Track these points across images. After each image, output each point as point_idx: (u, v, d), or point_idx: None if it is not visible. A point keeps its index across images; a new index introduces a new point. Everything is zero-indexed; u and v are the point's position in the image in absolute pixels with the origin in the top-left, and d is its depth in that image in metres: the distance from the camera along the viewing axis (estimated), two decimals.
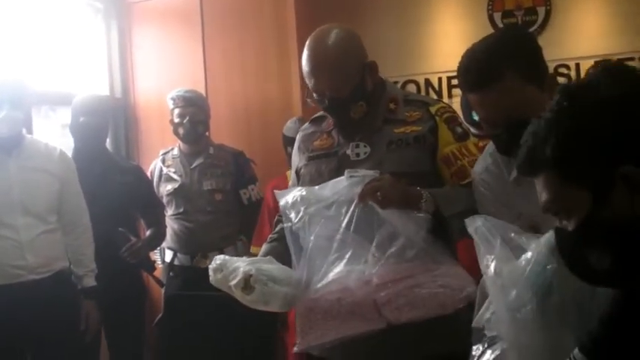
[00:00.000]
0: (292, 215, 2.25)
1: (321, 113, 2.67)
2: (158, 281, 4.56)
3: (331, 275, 2.13)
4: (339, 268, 2.13)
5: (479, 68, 2.00)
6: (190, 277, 4.57)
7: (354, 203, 2.15)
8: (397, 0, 5.73)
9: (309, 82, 2.45)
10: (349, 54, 2.44)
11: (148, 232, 4.56)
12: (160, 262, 4.80)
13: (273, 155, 5.06)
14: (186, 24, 5.70)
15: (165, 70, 5.73)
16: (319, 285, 2.14)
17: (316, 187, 2.30)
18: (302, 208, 2.23)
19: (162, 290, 4.63)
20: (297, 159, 2.69)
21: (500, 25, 5.52)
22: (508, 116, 1.97)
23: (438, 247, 2.15)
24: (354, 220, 2.13)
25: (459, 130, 2.47)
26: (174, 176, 4.73)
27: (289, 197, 2.29)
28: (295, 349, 2.22)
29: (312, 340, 2.17)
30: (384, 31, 5.65)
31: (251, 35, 5.55)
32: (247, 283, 2.17)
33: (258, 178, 4.83)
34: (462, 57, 2.06)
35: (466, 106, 3.77)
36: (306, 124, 2.74)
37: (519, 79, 1.99)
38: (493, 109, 2.01)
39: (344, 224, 2.15)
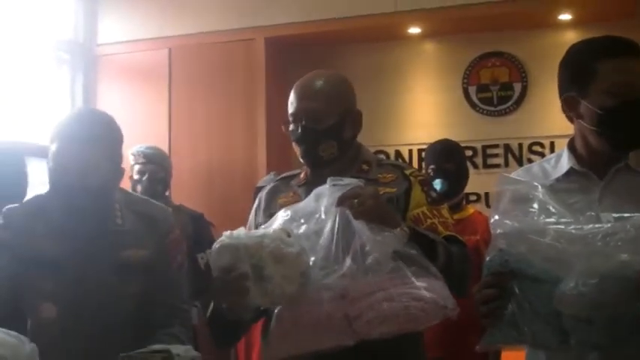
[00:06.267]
0: None
1: (290, 172, 2.56)
2: None
3: (310, 288, 2.03)
4: (317, 280, 2.03)
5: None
6: None
7: (333, 209, 2.06)
8: (373, 69, 5.64)
9: (290, 109, 2.39)
10: (335, 90, 2.42)
11: None
12: None
13: (234, 218, 4.91)
14: (153, 80, 5.68)
15: (129, 126, 5.51)
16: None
17: (301, 203, 2.18)
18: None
19: None
20: (253, 217, 2.54)
21: (475, 100, 5.46)
22: None
23: (415, 261, 2.03)
24: (334, 230, 2.04)
25: (433, 194, 2.40)
26: None
27: (275, 224, 2.16)
28: None
29: (282, 350, 2.07)
30: (357, 99, 5.53)
31: (219, 97, 5.53)
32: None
33: None
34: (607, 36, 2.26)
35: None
36: (272, 183, 2.59)
37: None
38: None
39: (326, 235, 2.05)
